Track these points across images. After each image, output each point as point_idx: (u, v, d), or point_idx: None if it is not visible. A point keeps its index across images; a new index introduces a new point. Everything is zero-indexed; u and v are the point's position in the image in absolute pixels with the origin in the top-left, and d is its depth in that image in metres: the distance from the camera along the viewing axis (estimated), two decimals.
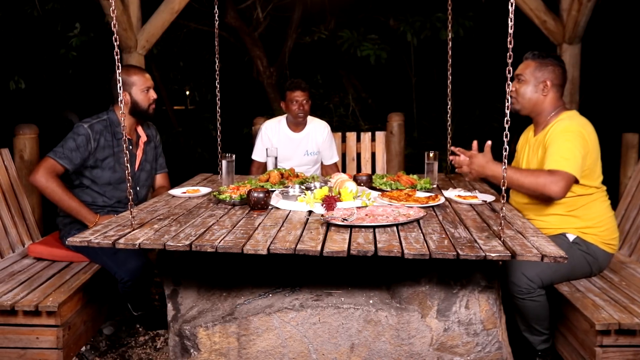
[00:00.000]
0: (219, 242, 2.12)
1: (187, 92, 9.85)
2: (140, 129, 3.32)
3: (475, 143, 2.79)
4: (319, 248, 2.05)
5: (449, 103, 3.62)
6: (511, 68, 2.08)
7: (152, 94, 3.23)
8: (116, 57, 2.24)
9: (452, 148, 2.84)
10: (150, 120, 3.38)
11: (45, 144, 3.86)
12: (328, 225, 2.36)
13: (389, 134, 4.72)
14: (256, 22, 6.78)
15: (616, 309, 2.41)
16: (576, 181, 2.56)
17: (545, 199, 2.65)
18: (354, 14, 6.92)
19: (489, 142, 2.72)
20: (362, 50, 6.14)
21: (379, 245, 2.07)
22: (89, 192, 3.16)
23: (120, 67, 2.31)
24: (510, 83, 2.08)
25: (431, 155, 3.30)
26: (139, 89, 3.17)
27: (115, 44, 2.20)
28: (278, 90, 7.06)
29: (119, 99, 2.34)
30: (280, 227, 2.35)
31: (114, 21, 2.20)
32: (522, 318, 2.64)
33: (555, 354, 2.74)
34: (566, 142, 2.58)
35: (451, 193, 2.98)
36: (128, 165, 2.38)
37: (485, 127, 7.03)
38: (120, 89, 2.32)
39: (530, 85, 2.78)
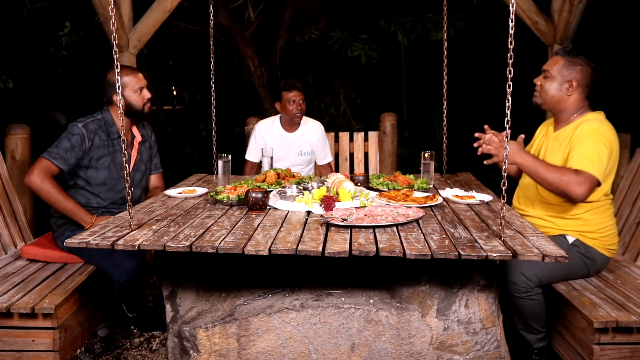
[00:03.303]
0: (220, 243, 2.11)
1: (175, 92, 9.79)
2: (135, 129, 3.29)
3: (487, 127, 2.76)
4: (320, 248, 2.05)
5: (444, 103, 3.63)
6: (512, 69, 2.09)
7: (146, 94, 3.19)
8: (115, 56, 2.22)
9: (486, 127, 2.74)
10: (145, 120, 3.35)
11: (34, 144, 3.82)
12: (328, 225, 2.36)
13: (381, 134, 4.73)
14: (247, 22, 6.76)
15: (613, 307, 2.43)
16: (598, 184, 2.55)
17: (566, 198, 2.59)
18: (344, 14, 6.92)
19: (522, 135, 2.72)
20: (352, 50, 6.14)
21: (380, 245, 2.07)
22: (83, 192, 3.12)
23: (118, 67, 2.28)
24: (511, 84, 2.08)
25: (427, 155, 3.31)
26: (131, 89, 3.13)
27: (114, 43, 2.18)
28: (269, 90, 7.04)
29: (118, 99, 2.31)
30: (280, 228, 2.34)
31: (113, 19, 2.18)
32: (519, 317, 2.66)
33: (552, 352, 2.76)
34: (594, 144, 2.55)
35: (448, 193, 2.99)
36: (127, 165, 2.36)
37: (475, 127, 7.07)
38: (118, 88, 2.30)
39: (555, 83, 2.74)
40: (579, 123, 2.69)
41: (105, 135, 3.12)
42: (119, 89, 2.30)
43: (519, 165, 2.64)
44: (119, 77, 2.29)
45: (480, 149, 2.70)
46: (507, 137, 2.14)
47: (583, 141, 2.59)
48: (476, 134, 2.75)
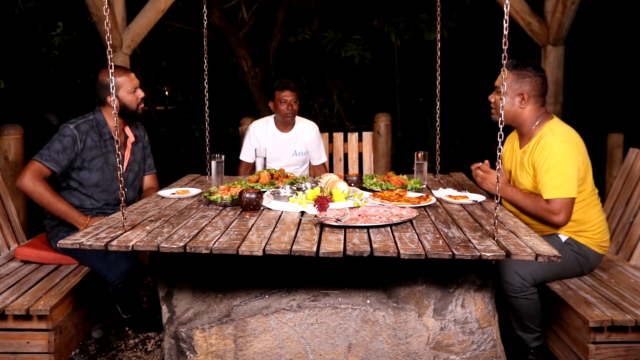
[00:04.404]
0: (214, 244, 2.11)
1: (167, 92, 9.76)
2: (127, 130, 3.28)
3: (487, 162, 2.82)
4: (314, 249, 2.05)
5: (438, 104, 3.63)
6: (506, 69, 2.10)
7: (140, 93, 3.17)
8: (109, 57, 2.21)
9: (475, 165, 2.87)
10: (139, 120, 3.34)
11: (27, 144, 3.80)
12: (322, 225, 2.36)
13: (376, 134, 4.74)
14: (241, 22, 6.75)
15: (608, 306, 2.45)
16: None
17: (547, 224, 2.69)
18: (338, 14, 6.93)
19: (487, 161, 2.79)
20: (346, 51, 6.15)
21: (374, 245, 2.07)
22: (76, 194, 3.10)
23: (112, 67, 2.27)
24: (505, 84, 2.09)
25: (420, 155, 3.31)
26: (125, 90, 3.12)
27: (109, 43, 2.17)
28: (263, 90, 7.04)
29: (112, 100, 2.31)
30: (274, 228, 2.34)
31: (107, 19, 2.17)
32: (515, 316, 2.67)
33: (547, 351, 2.78)
34: (556, 164, 2.59)
35: (441, 193, 3.00)
36: (121, 166, 2.35)
37: (468, 127, 7.10)
38: (113, 89, 2.29)
39: (507, 97, 2.75)
40: (538, 138, 2.72)
41: (98, 136, 3.11)
42: (113, 89, 2.29)
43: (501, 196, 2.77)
44: (112, 78, 2.28)
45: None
46: (500, 136, 2.14)
47: (544, 163, 2.63)
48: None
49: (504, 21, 2.07)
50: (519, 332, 2.72)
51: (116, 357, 3.05)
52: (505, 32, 2.07)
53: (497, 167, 2.20)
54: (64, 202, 2.99)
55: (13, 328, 2.56)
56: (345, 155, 4.75)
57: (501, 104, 2.12)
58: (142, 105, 3.21)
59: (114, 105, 2.33)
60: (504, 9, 2.06)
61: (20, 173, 2.96)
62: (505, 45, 2.07)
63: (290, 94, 4.01)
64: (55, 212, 2.97)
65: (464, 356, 2.37)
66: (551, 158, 2.61)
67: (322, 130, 4.48)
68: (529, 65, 2.75)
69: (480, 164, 2.83)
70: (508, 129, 3.00)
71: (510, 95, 2.76)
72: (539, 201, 2.63)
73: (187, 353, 2.35)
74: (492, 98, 2.87)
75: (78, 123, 3.07)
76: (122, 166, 3.15)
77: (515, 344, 2.76)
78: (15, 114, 7.27)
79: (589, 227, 2.74)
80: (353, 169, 4.70)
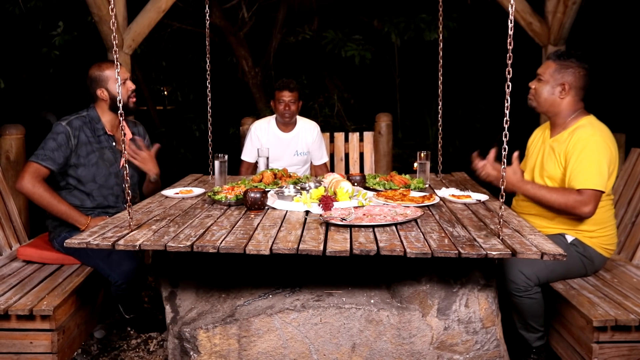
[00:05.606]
0: (221, 243, 2.11)
1: (165, 92, 9.74)
2: (125, 127, 3.27)
3: (493, 152, 2.81)
4: (321, 248, 2.05)
5: (440, 104, 3.64)
6: (511, 69, 2.10)
7: (130, 85, 3.17)
8: (115, 57, 2.21)
9: (474, 155, 2.86)
10: (132, 114, 3.32)
11: (28, 144, 3.79)
12: (327, 225, 2.36)
13: (377, 134, 4.74)
14: (241, 22, 6.74)
15: (611, 305, 2.45)
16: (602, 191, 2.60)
17: (573, 216, 2.67)
18: (338, 14, 6.93)
19: (516, 154, 2.74)
20: (346, 51, 6.15)
21: (380, 244, 2.08)
22: (76, 193, 3.09)
23: (118, 67, 2.27)
24: (510, 84, 2.10)
25: (423, 155, 3.32)
26: (115, 82, 3.10)
27: (115, 42, 2.17)
28: (263, 90, 7.03)
29: (119, 99, 2.31)
30: (280, 227, 2.35)
31: (113, 19, 2.17)
32: (518, 315, 2.67)
33: (550, 350, 2.78)
34: (591, 156, 2.59)
35: (445, 192, 3.00)
36: (126, 164, 2.35)
37: (468, 127, 7.11)
38: (119, 87, 2.29)
39: (548, 86, 2.76)
40: (574, 129, 2.72)
41: (91, 132, 3.09)
42: (119, 87, 2.29)
43: (522, 194, 2.76)
44: (119, 78, 2.28)
45: (480, 175, 2.83)
46: (505, 135, 2.15)
47: (580, 153, 2.62)
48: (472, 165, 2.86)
49: (509, 21, 2.07)
50: (522, 331, 2.72)
51: (118, 357, 3.05)
52: (510, 32, 2.08)
53: (502, 167, 2.20)
54: (65, 202, 2.98)
55: (16, 328, 2.55)
56: (347, 155, 4.75)
57: (506, 104, 2.12)
58: (134, 99, 3.20)
59: (119, 104, 2.33)
60: (509, 9, 2.06)
61: (19, 176, 2.95)
62: (510, 45, 2.08)
63: (288, 94, 4.00)
64: (56, 213, 2.97)
65: (467, 356, 2.37)
66: (587, 150, 2.61)
67: (322, 130, 4.48)
68: (572, 56, 2.75)
69: (481, 161, 2.81)
70: (528, 120, 2.98)
71: (551, 84, 2.76)
72: (569, 192, 2.61)
73: (191, 353, 2.35)
74: (532, 85, 2.85)
75: (70, 119, 3.07)
76: (119, 163, 3.15)
77: (518, 344, 2.76)
78: (15, 114, 7.25)
79: (599, 228, 2.74)
80: (354, 169, 4.70)
